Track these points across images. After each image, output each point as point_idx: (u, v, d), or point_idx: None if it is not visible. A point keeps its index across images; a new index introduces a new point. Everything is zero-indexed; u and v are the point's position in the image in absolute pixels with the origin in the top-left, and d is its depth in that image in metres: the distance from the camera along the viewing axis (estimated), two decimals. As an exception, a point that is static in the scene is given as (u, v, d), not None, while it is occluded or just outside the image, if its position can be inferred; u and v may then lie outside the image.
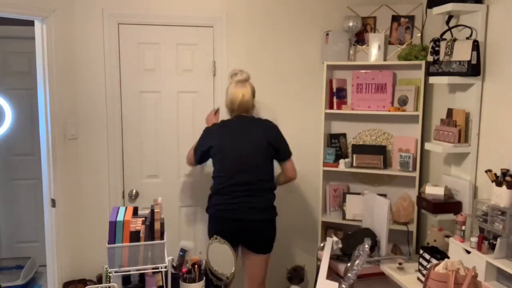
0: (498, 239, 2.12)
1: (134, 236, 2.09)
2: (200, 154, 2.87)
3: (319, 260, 2.81)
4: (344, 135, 3.51)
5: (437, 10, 2.70)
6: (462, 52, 2.53)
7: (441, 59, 2.67)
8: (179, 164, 3.40)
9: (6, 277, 3.96)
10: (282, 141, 2.86)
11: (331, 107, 3.40)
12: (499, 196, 2.19)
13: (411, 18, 3.30)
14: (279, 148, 2.83)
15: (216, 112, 3.20)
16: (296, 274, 3.56)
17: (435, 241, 2.56)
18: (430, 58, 2.75)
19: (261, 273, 2.87)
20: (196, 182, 3.45)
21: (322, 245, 2.85)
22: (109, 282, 2.15)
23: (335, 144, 3.46)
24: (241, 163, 2.75)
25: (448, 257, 2.33)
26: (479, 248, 2.20)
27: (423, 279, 2.28)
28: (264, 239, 2.81)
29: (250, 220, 2.73)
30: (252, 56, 3.40)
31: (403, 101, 3.23)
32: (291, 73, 3.46)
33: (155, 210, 2.15)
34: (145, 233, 2.11)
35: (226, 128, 2.84)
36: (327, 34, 3.35)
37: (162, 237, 2.15)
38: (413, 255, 2.95)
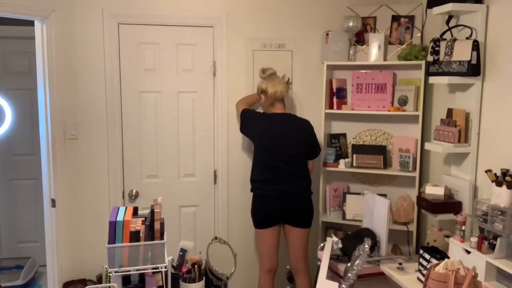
0: (498, 239, 2.12)
1: (134, 236, 2.09)
2: (243, 128, 3.20)
3: (319, 260, 2.81)
4: (344, 135, 3.51)
5: (437, 10, 2.70)
6: (462, 52, 2.53)
7: (441, 59, 2.67)
8: (179, 164, 3.41)
9: (6, 277, 3.96)
10: (316, 143, 3.18)
11: (331, 107, 3.40)
12: (499, 196, 2.19)
13: (411, 18, 3.30)
14: (312, 150, 3.16)
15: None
16: (296, 274, 3.55)
17: (435, 241, 2.56)
18: (430, 58, 2.75)
19: (304, 247, 3.14)
20: (196, 182, 3.45)
21: (322, 245, 2.86)
22: (109, 282, 2.15)
23: (335, 144, 3.46)
24: (284, 159, 3.04)
25: (448, 257, 2.33)
26: (479, 248, 2.20)
27: (423, 279, 2.28)
28: (304, 213, 3.10)
29: (293, 198, 3.05)
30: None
31: (403, 101, 3.23)
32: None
33: (155, 210, 2.15)
34: (145, 233, 2.11)
35: (270, 122, 3.10)
36: (327, 34, 3.35)
37: (162, 237, 2.15)
38: (413, 255, 2.95)
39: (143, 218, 2.18)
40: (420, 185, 3.13)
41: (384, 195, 3.15)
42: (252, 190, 3.17)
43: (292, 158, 3.05)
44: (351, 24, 3.28)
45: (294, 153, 3.05)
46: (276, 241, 3.14)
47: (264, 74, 3.19)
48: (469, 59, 2.49)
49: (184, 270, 2.37)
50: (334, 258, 2.87)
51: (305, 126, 3.12)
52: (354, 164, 3.35)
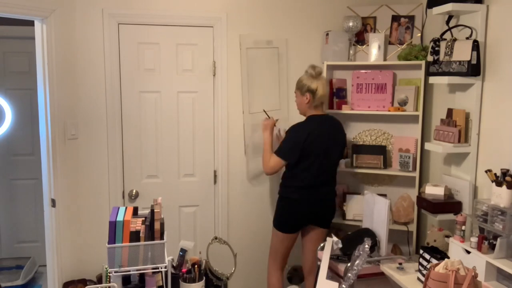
0: (498, 239, 2.12)
1: (134, 236, 2.09)
2: (295, 150, 2.93)
3: (319, 260, 2.81)
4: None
5: (437, 10, 2.70)
6: (462, 52, 2.53)
7: (441, 59, 2.67)
8: (179, 164, 3.41)
9: (6, 277, 3.96)
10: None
11: (331, 107, 3.40)
12: (499, 196, 2.19)
13: (411, 18, 3.30)
14: (344, 150, 3.17)
15: (275, 123, 3.24)
16: (296, 274, 3.55)
17: (435, 241, 2.56)
18: (430, 58, 2.75)
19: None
20: (196, 182, 3.45)
21: (322, 245, 2.85)
22: (109, 282, 2.15)
23: (335, 144, 3.46)
24: (328, 161, 3.00)
25: (448, 257, 2.33)
26: (479, 248, 2.20)
27: (423, 279, 2.28)
28: (332, 214, 3.14)
29: (329, 199, 3.07)
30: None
31: (403, 101, 3.23)
32: (291, 73, 3.46)
33: (155, 210, 2.15)
34: (145, 233, 2.11)
35: (317, 124, 2.99)
36: (327, 34, 3.35)
37: (162, 237, 2.15)
38: (413, 255, 2.95)
39: (143, 218, 2.18)
40: (420, 185, 3.13)
41: (384, 195, 3.15)
42: (286, 194, 3.04)
43: (334, 160, 3.06)
44: (351, 24, 3.28)
45: (337, 155, 3.06)
46: (294, 243, 3.17)
47: (314, 71, 2.97)
48: (469, 59, 2.49)
49: (184, 270, 2.37)
50: (334, 258, 2.87)
51: (341, 127, 3.12)
52: (354, 164, 3.35)
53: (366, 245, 2.48)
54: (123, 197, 3.35)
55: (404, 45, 3.30)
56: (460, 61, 2.54)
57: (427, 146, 2.83)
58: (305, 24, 3.45)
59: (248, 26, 3.37)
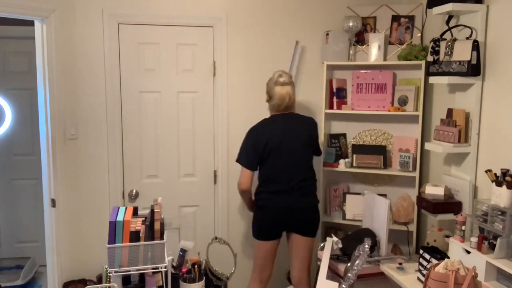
0: (498, 239, 2.12)
1: (134, 236, 2.09)
2: (256, 156, 2.88)
3: (319, 260, 2.81)
4: (344, 135, 3.51)
5: (437, 10, 2.70)
6: (462, 52, 2.53)
7: (441, 59, 2.67)
8: (179, 164, 3.40)
9: (6, 277, 3.95)
10: (317, 138, 3.08)
11: (331, 107, 3.40)
12: (499, 196, 2.19)
13: (411, 18, 3.30)
14: (316, 145, 3.05)
15: None
16: (296, 274, 3.55)
17: (435, 241, 2.56)
18: (430, 58, 2.75)
19: (310, 256, 2.99)
20: (196, 182, 3.45)
21: (322, 245, 2.85)
22: (109, 282, 2.15)
23: (335, 144, 3.46)
24: (294, 158, 2.89)
25: (448, 257, 2.33)
26: (479, 248, 2.20)
27: (423, 279, 2.28)
28: (313, 222, 2.97)
29: (302, 207, 2.89)
30: (252, 56, 3.40)
31: (403, 101, 3.23)
32: (290, 73, 3.46)
33: (155, 210, 2.15)
34: (145, 233, 2.11)
35: (274, 123, 2.93)
36: (327, 34, 3.35)
37: (162, 237, 2.15)
38: (413, 255, 2.95)
39: (143, 218, 2.18)
40: (420, 185, 3.13)
41: (384, 195, 3.15)
42: (255, 201, 3.00)
43: (301, 160, 2.95)
44: (351, 24, 3.29)
45: (301, 153, 2.96)
46: (272, 255, 2.98)
47: (279, 78, 2.95)
48: (469, 59, 2.49)
49: (184, 270, 2.37)
50: (334, 258, 2.87)
51: (308, 122, 3.03)
52: (354, 164, 3.35)
53: (366, 245, 2.48)
54: (123, 197, 3.35)
55: (404, 45, 3.30)
56: (460, 61, 2.54)
57: (427, 146, 2.83)
58: (305, 24, 3.44)
59: (248, 26, 3.37)
